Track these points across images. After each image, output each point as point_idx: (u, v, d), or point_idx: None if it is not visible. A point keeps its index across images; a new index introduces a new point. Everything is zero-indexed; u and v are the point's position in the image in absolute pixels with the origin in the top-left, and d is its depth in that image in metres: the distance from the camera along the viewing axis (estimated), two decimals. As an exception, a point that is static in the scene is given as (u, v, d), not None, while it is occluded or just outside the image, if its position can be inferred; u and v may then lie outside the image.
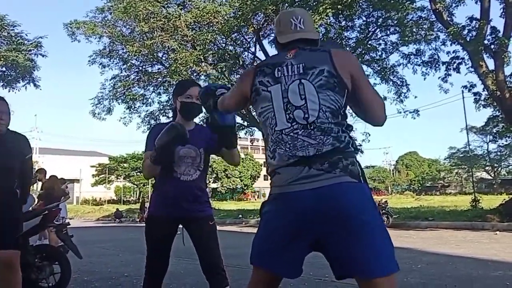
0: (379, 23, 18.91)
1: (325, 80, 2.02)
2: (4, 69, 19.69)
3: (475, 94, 17.25)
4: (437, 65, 18.66)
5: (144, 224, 3.13)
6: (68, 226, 6.34)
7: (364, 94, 2.10)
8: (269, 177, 2.07)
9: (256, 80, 2.12)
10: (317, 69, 2.04)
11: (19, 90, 20.63)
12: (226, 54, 19.42)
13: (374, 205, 1.96)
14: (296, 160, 1.93)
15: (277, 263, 1.95)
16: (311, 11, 15.51)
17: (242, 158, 67.52)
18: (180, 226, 3.05)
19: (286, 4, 17.62)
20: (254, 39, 20.52)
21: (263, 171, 75.74)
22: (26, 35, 19.97)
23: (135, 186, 62.66)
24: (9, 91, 20.21)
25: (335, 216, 1.84)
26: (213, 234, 3.07)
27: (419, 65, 19.33)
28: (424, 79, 19.72)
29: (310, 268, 6.73)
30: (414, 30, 17.66)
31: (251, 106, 2.16)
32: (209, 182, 53.75)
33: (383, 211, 15.59)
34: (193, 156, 3.03)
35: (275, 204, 1.99)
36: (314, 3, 15.77)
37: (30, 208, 6.30)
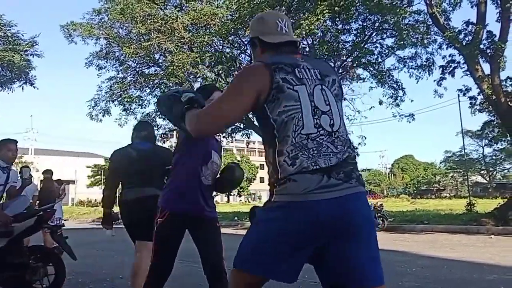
0: (375, 27, 18.96)
1: (338, 90, 2.05)
2: (-1, 69, 19.65)
3: (470, 98, 17.33)
4: (430, 68, 18.74)
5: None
6: (63, 228, 6.32)
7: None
8: (276, 184, 1.89)
9: (278, 77, 1.93)
10: (331, 78, 2.04)
11: (13, 91, 20.61)
12: (223, 57, 19.39)
13: (371, 211, 1.98)
14: (317, 169, 1.83)
15: (276, 271, 1.90)
16: (308, 13, 15.56)
17: (238, 160, 67.56)
18: None
19: (283, 7, 17.68)
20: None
21: (260, 174, 75.79)
22: (22, 35, 19.95)
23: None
24: (4, 91, 20.20)
25: (348, 225, 1.83)
26: (219, 237, 3.10)
27: (414, 69, 19.42)
28: (417, 82, 19.78)
29: (305, 271, 6.73)
30: (410, 33, 17.70)
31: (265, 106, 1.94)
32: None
33: (379, 214, 15.62)
34: (217, 164, 3.11)
35: (283, 212, 1.84)
36: (311, 5, 15.80)
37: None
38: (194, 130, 2.00)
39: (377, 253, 1.92)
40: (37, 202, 9.03)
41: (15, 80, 20.28)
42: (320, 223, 1.80)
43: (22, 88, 20.60)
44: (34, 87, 20.78)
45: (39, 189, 9.61)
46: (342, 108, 2.05)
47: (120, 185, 4.38)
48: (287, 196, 1.84)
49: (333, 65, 20.77)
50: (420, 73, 19.23)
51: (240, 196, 71.28)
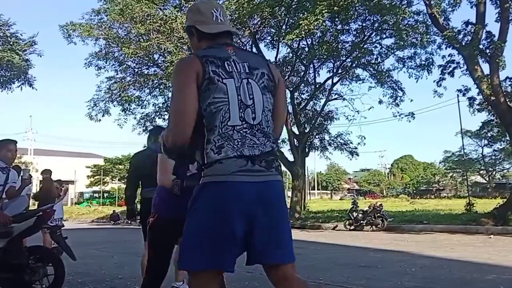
0: (375, 27, 18.98)
1: (267, 82, 2.16)
2: (-1, 69, 19.62)
3: (469, 99, 17.34)
4: (430, 68, 18.78)
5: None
6: (62, 228, 6.32)
7: (280, 103, 2.26)
8: (204, 167, 2.02)
9: (209, 69, 2.04)
10: (259, 71, 2.15)
11: (12, 91, 20.59)
12: (222, 57, 19.38)
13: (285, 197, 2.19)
14: (242, 155, 1.99)
15: (225, 259, 2.00)
16: (307, 13, 15.55)
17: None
18: None
19: (283, 8, 17.68)
20: (250, 41, 20.53)
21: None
22: (21, 35, 19.92)
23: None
24: (4, 91, 20.19)
25: (268, 207, 2.01)
26: None
27: (413, 69, 19.46)
28: (417, 81, 19.83)
29: (305, 271, 6.73)
30: (410, 34, 17.72)
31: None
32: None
33: (378, 214, 15.64)
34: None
35: (211, 192, 1.98)
36: (310, 5, 15.80)
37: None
38: (172, 143, 2.06)
39: (287, 236, 2.11)
40: (37, 202, 9.03)
41: (14, 80, 20.26)
42: (243, 202, 1.96)
43: (21, 89, 20.60)
44: (33, 87, 20.77)
45: (38, 189, 9.61)
46: (270, 99, 2.16)
47: (140, 184, 4.74)
48: (214, 177, 1.98)
49: (332, 65, 20.84)
50: (419, 72, 19.29)
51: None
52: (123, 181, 61.31)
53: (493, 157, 58.12)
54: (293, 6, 17.60)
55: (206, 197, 2.00)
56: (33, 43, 20.02)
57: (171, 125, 2.06)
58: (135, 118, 23.40)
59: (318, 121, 22.45)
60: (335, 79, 21.72)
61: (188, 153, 2.12)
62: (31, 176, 5.58)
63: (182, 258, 2.05)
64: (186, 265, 2.05)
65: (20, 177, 5.41)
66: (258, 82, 2.13)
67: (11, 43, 19.23)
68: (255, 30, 19.35)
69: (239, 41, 20.67)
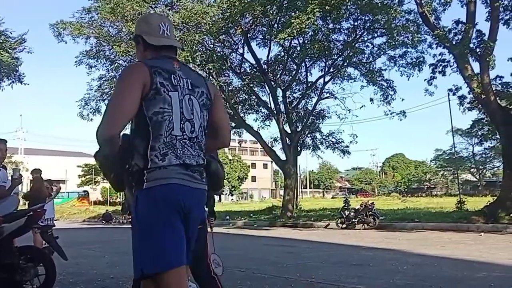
0: (366, 27, 19.03)
1: (205, 101, 2.36)
2: (-13, 67, 19.40)
3: (460, 97, 17.44)
4: (421, 66, 18.88)
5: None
6: (53, 228, 6.28)
7: (221, 114, 2.48)
8: (146, 171, 2.12)
9: (157, 80, 2.16)
10: (200, 89, 2.35)
11: (2, 90, 20.40)
12: (214, 55, 19.35)
13: None
14: (183, 163, 2.17)
15: (184, 252, 2.17)
16: (299, 11, 15.56)
17: (230, 159, 67.46)
18: None
19: (274, 6, 17.67)
20: (242, 40, 20.51)
21: (251, 173, 75.75)
22: (11, 33, 19.73)
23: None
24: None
25: (194, 211, 2.22)
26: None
27: (404, 67, 19.55)
28: (408, 79, 19.92)
29: (297, 270, 6.75)
30: (401, 33, 17.78)
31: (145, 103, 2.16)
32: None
33: (370, 212, 15.69)
34: None
35: (155, 195, 2.11)
36: (302, 4, 15.81)
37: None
38: (100, 136, 2.11)
39: (193, 240, 2.31)
40: (27, 202, 8.94)
41: (4, 78, 20.06)
42: (181, 204, 2.14)
43: (12, 87, 20.40)
44: (22, 83, 20.54)
45: (29, 189, 9.51)
46: (206, 117, 2.36)
47: None
48: (160, 181, 2.12)
49: (324, 64, 20.89)
50: (410, 70, 19.38)
51: (232, 195, 71.20)
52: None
53: (484, 155, 58.65)
54: (284, 5, 17.60)
55: (154, 203, 2.11)
56: (22, 41, 19.84)
57: (107, 117, 2.13)
58: (126, 117, 23.27)
59: (310, 119, 22.47)
60: (327, 78, 21.76)
61: (124, 155, 2.18)
62: (22, 176, 5.54)
63: (141, 262, 2.11)
64: (153, 269, 2.08)
65: (10, 177, 5.37)
66: (199, 100, 2.32)
67: (1, 41, 19.04)
68: (246, 28, 19.31)
69: (230, 39, 20.70)
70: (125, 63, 21.30)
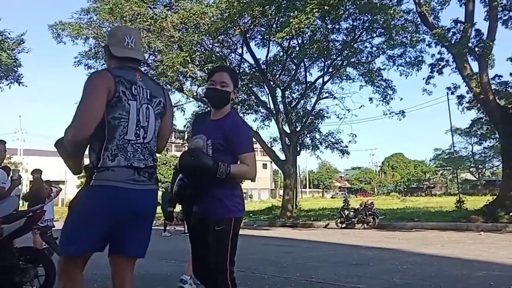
0: (365, 27, 19.03)
1: (161, 110, 2.63)
2: (-14, 68, 19.33)
3: (459, 97, 17.45)
4: (419, 65, 18.89)
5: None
6: (53, 228, 6.28)
7: (168, 122, 2.74)
8: (96, 170, 2.39)
9: (119, 89, 2.43)
10: (158, 99, 2.61)
11: (1, 91, 20.33)
12: (213, 56, 19.34)
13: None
14: (131, 166, 2.44)
15: (97, 243, 2.48)
16: (297, 11, 15.55)
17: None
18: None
19: (273, 6, 17.65)
20: (241, 40, 20.50)
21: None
22: (9, 34, 19.68)
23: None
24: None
25: (142, 211, 2.51)
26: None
27: (403, 66, 19.55)
28: (406, 78, 19.93)
29: (296, 269, 6.75)
30: (400, 33, 17.78)
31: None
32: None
33: (369, 212, 15.69)
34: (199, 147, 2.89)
35: (100, 193, 2.39)
36: (301, 4, 15.80)
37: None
38: (72, 138, 2.41)
39: (148, 237, 2.64)
40: (26, 203, 8.93)
41: (3, 79, 20.00)
42: (127, 205, 2.43)
43: (10, 87, 20.33)
44: (21, 84, 20.46)
45: (28, 189, 9.49)
46: (159, 124, 2.63)
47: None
48: (105, 182, 2.38)
49: (323, 64, 20.89)
50: (409, 69, 19.38)
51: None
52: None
53: (483, 154, 58.73)
54: (283, 5, 17.58)
55: (97, 199, 2.39)
56: (21, 42, 19.79)
57: (77, 121, 2.38)
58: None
59: (309, 119, 22.45)
60: (326, 78, 21.71)
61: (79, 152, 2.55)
62: (21, 177, 5.54)
63: (66, 243, 2.46)
64: (67, 251, 2.46)
65: (9, 178, 5.37)
66: (155, 109, 2.59)
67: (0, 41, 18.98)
68: (245, 29, 19.29)
69: (229, 40, 20.68)
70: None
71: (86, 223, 2.40)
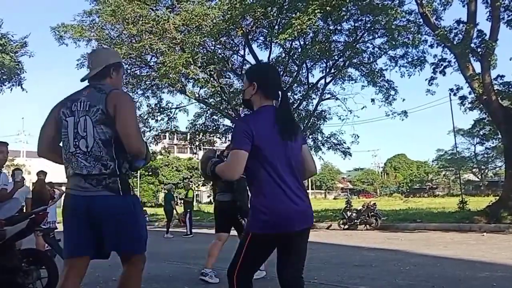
0: (367, 27, 19.02)
1: (100, 117, 2.74)
2: (-11, 70, 19.41)
3: (461, 97, 17.39)
4: (422, 65, 18.85)
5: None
6: (55, 230, 6.28)
7: (122, 121, 2.72)
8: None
9: (61, 111, 2.83)
10: (96, 107, 2.75)
11: (3, 93, 20.42)
12: (215, 57, 19.36)
13: (127, 206, 2.76)
14: (78, 174, 2.73)
15: (83, 248, 2.75)
16: (299, 12, 15.55)
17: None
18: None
19: (275, 8, 17.67)
20: (243, 42, 20.52)
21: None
22: (12, 37, 19.75)
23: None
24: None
25: (96, 216, 2.69)
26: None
27: (405, 66, 19.53)
28: (409, 77, 19.89)
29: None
30: (402, 33, 17.76)
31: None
32: (198, 185, 53.54)
33: (372, 213, 15.67)
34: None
35: (67, 201, 2.80)
36: (303, 5, 15.81)
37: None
38: (38, 154, 3.05)
39: (126, 233, 2.77)
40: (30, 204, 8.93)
41: (6, 81, 20.08)
42: (78, 211, 2.71)
43: (11, 90, 20.42)
44: (22, 88, 20.55)
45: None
46: (103, 130, 2.74)
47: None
48: (67, 189, 2.81)
49: (325, 65, 20.86)
50: (411, 69, 19.36)
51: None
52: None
53: (486, 155, 58.55)
54: (285, 6, 17.59)
55: (64, 205, 2.81)
56: (24, 44, 19.87)
57: (38, 141, 2.92)
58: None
59: (311, 121, 22.44)
60: (328, 79, 21.73)
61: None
62: (24, 179, 5.55)
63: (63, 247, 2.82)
64: (64, 255, 2.81)
65: (12, 180, 5.37)
66: (92, 118, 2.74)
67: (2, 43, 19.05)
68: (247, 30, 19.31)
69: (231, 41, 20.69)
70: (126, 65, 21.34)
71: (64, 227, 2.80)
